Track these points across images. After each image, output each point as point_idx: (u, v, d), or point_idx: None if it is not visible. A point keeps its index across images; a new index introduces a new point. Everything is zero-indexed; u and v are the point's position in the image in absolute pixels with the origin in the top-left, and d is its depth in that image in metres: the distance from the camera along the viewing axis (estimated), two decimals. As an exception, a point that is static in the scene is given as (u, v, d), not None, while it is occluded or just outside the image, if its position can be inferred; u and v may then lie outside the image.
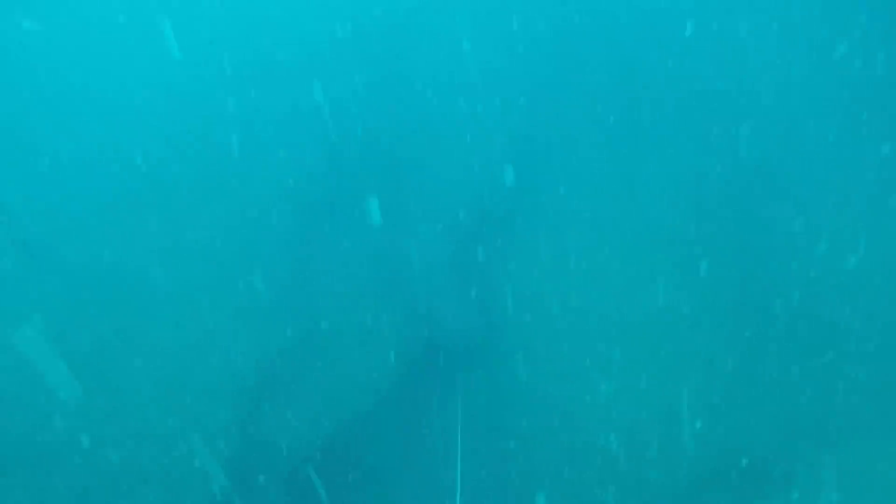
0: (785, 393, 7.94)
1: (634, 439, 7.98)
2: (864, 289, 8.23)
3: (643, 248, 8.90)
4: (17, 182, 8.99)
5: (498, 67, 10.07)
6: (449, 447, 8.50)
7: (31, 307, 8.25)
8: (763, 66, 9.39)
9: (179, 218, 9.11)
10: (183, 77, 9.76)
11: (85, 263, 8.71)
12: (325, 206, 9.62)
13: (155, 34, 9.57)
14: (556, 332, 8.74)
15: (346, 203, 9.60)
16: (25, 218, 8.80)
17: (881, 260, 8.29)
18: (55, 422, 7.81)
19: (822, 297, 8.28)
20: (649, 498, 7.76)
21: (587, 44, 9.95)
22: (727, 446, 7.81)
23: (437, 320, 9.30)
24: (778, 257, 8.63)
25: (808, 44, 9.25)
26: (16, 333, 7.95)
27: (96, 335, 8.35)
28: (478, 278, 9.42)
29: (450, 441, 8.52)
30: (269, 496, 8.22)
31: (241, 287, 8.86)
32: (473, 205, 9.72)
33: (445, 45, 10.08)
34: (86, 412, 7.91)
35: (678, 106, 9.46)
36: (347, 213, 9.54)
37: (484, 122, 9.96)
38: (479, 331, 9.21)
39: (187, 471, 7.93)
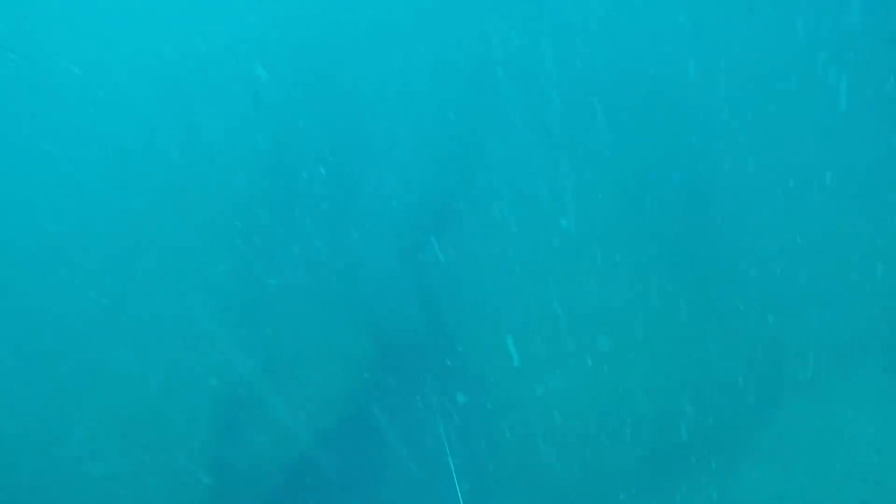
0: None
1: (598, 427, 8.34)
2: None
3: (597, 245, 8.92)
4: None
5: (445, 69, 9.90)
6: (422, 456, 8.59)
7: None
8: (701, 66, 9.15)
9: (124, 239, 8.90)
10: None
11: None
12: (273, 219, 9.39)
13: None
14: (513, 331, 8.81)
15: (293, 215, 9.39)
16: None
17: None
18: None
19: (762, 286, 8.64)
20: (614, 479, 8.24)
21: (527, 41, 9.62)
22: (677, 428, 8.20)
23: (395, 328, 9.31)
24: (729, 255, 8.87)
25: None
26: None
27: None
28: (433, 283, 9.37)
29: (422, 450, 8.61)
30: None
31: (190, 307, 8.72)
32: (425, 209, 9.65)
33: (383, 51, 9.77)
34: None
35: (627, 106, 9.36)
36: (296, 227, 9.31)
37: (430, 126, 9.78)
38: (437, 335, 9.23)
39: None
